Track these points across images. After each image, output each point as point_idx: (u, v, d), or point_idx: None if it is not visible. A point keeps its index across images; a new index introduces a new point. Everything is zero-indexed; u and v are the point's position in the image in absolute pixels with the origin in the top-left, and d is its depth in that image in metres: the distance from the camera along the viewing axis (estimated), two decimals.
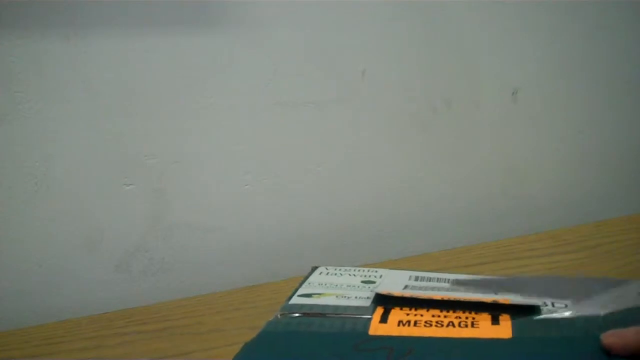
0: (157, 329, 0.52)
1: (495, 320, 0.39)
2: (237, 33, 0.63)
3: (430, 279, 0.47)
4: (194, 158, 0.63)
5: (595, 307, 0.40)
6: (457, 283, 0.46)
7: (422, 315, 0.40)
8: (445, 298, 0.42)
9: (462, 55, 0.74)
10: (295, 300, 0.45)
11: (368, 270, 0.51)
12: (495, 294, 0.43)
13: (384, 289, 0.44)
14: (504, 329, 0.38)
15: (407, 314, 0.41)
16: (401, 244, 0.74)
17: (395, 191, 0.73)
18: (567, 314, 0.40)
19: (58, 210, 0.59)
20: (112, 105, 0.60)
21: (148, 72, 0.60)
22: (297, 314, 0.43)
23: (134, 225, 0.62)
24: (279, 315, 0.43)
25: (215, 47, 0.62)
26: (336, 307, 0.43)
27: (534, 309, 0.40)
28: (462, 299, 0.41)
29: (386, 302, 0.42)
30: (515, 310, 0.40)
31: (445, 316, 0.40)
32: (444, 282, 0.47)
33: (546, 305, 0.41)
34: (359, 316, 0.41)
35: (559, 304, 0.41)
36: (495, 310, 0.40)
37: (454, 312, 0.41)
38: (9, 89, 0.56)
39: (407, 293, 0.43)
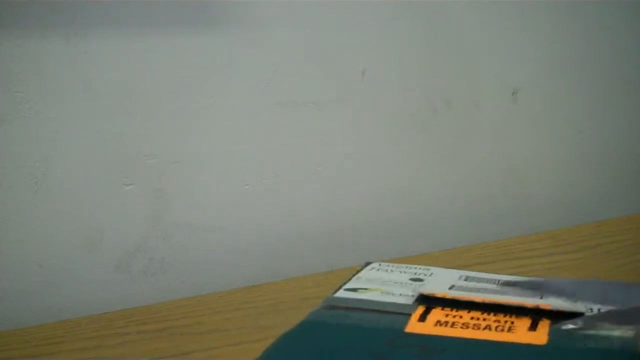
0: (157, 329, 0.52)
1: (533, 326, 0.39)
2: (237, 33, 0.63)
3: (479, 280, 0.47)
4: (194, 158, 0.63)
5: None
6: (506, 284, 0.46)
7: (461, 317, 0.40)
8: (487, 301, 0.41)
9: (462, 55, 0.74)
10: (340, 293, 0.46)
11: (419, 268, 0.51)
12: (541, 297, 0.42)
13: (429, 288, 0.44)
14: (540, 335, 0.38)
15: (447, 315, 0.41)
16: (401, 244, 0.74)
17: (395, 191, 0.73)
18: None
19: (58, 210, 0.59)
20: (112, 105, 0.60)
21: (148, 72, 0.60)
22: (339, 307, 0.43)
23: (134, 225, 0.62)
24: (321, 307, 0.44)
25: (215, 47, 0.62)
26: (378, 303, 0.43)
27: (577, 316, 0.39)
28: (503, 302, 0.41)
29: (428, 301, 0.42)
30: (557, 316, 0.39)
31: (484, 319, 0.40)
32: (493, 283, 0.46)
33: (591, 312, 0.40)
34: (399, 313, 0.41)
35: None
36: (536, 315, 0.40)
37: (494, 315, 0.40)
38: (9, 89, 0.56)
39: (450, 294, 0.43)
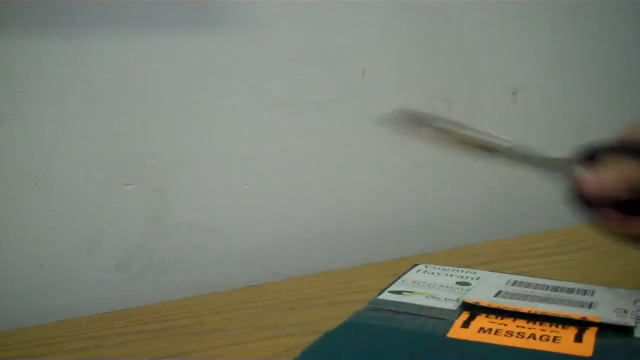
0: (157, 329, 0.52)
1: (579, 337, 0.38)
2: (237, 33, 0.63)
3: (528, 285, 0.46)
4: (194, 158, 0.63)
5: None
6: (555, 290, 0.45)
7: (505, 325, 0.40)
8: (533, 311, 0.41)
9: (462, 55, 0.74)
10: (384, 295, 0.45)
11: (466, 271, 0.50)
12: (590, 307, 0.42)
13: (476, 293, 0.44)
14: (586, 347, 0.37)
15: (492, 322, 0.40)
16: (401, 244, 0.74)
17: (396, 191, 0.73)
18: None
19: (58, 210, 0.59)
20: (112, 105, 0.60)
21: (148, 72, 0.60)
22: (383, 310, 0.43)
23: (134, 225, 0.62)
24: (365, 309, 0.43)
25: (215, 47, 0.62)
26: (422, 307, 0.43)
27: (626, 330, 0.39)
28: (549, 313, 0.41)
29: (472, 309, 0.42)
30: (605, 328, 0.39)
31: (529, 328, 0.39)
32: (542, 288, 0.46)
33: None
34: (443, 318, 0.41)
35: None
36: (582, 326, 0.39)
37: (540, 324, 0.40)
38: (9, 89, 0.56)
39: (495, 303, 0.42)
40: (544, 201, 0.82)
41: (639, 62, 0.84)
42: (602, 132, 0.87)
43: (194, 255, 0.65)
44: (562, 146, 0.83)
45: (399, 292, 0.45)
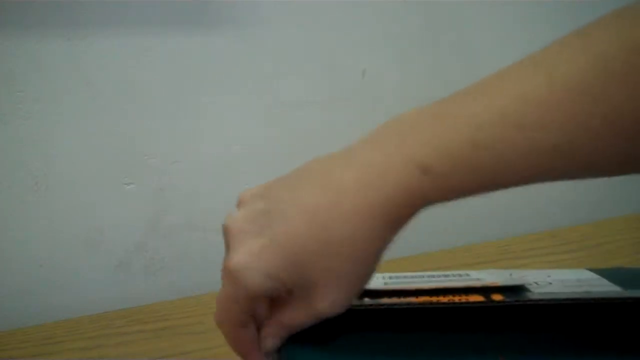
0: (157, 329, 0.52)
1: (489, 298, 0.39)
2: (237, 33, 0.63)
3: (404, 277, 0.47)
4: (194, 158, 0.64)
5: None
6: (431, 277, 0.46)
7: (416, 298, 0.40)
8: (434, 287, 0.41)
9: (462, 55, 0.74)
10: None
11: None
12: (478, 280, 0.43)
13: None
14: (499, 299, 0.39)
15: (400, 300, 0.40)
16: (401, 244, 0.73)
17: None
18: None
19: (58, 210, 0.59)
20: (112, 106, 0.60)
21: (148, 72, 0.60)
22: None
23: (134, 225, 0.62)
24: None
25: (215, 47, 0.63)
26: None
27: (523, 289, 0.40)
28: (451, 286, 0.41)
29: (372, 295, 0.42)
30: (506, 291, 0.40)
31: (439, 299, 0.40)
32: (420, 277, 0.46)
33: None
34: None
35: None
36: (486, 292, 0.40)
37: (444, 296, 0.40)
38: (9, 89, 0.56)
39: (394, 286, 0.42)
40: (544, 201, 0.82)
41: None
42: None
43: (193, 255, 0.65)
44: None
45: None
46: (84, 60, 0.58)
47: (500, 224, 0.79)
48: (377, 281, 0.46)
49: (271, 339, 0.35)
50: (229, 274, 0.33)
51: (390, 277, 0.46)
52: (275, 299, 0.36)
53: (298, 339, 0.36)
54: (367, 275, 0.35)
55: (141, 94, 0.61)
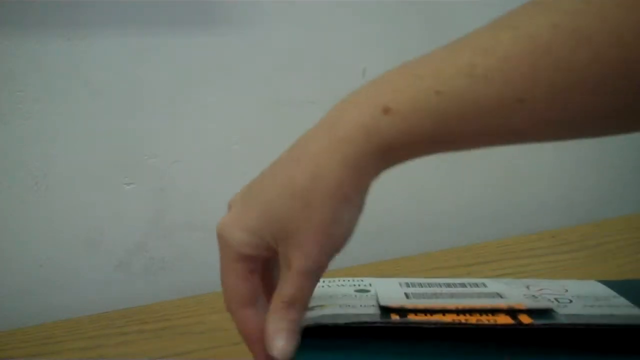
0: (157, 329, 0.52)
1: (516, 320, 0.39)
2: (237, 33, 0.63)
3: (419, 285, 0.46)
4: (194, 158, 0.64)
5: None
6: (448, 286, 0.45)
7: (443, 316, 0.40)
8: (461, 307, 0.40)
9: None
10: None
11: (354, 280, 0.49)
12: (502, 297, 0.42)
13: (386, 298, 0.43)
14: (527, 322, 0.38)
15: (427, 318, 0.40)
16: (401, 244, 0.74)
17: (394, 191, 0.73)
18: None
19: (58, 210, 0.59)
20: (112, 105, 0.60)
21: (148, 72, 0.60)
22: (307, 327, 0.39)
23: (134, 225, 0.62)
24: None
25: (215, 47, 0.63)
26: (347, 316, 0.40)
27: (549, 312, 0.40)
28: (477, 307, 0.40)
29: (398, 311, 0.41)
30: (532, 313, 0.40)
31: (466, 319, 0.39)
32: (436, 286, 0.45)
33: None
34: (377, 322, 0.39)
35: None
36: (512, 313, 0.40)
37: (471, 315, 0.39)
38: (9, 89, 0.56)
39: (419, 305, 0.41)
40: (544, 201, 0.82)
41: None
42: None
43: (194, 255, 0.65)
44: (562, 146, 0.83)
45: (311, 308, 0.42)
46: (84, 60, 0.58)
47: (500, 224, 0.79)
48: (395, 287, 0.46)
49: (284, 333, 0.34)
50: (218, 239, 0.35)
51: (408, 285, 0.46)
52: (268, 274, 0.36)
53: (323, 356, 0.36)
54: (338, 226, 0.33)
55: (141, 94, 0.60)
